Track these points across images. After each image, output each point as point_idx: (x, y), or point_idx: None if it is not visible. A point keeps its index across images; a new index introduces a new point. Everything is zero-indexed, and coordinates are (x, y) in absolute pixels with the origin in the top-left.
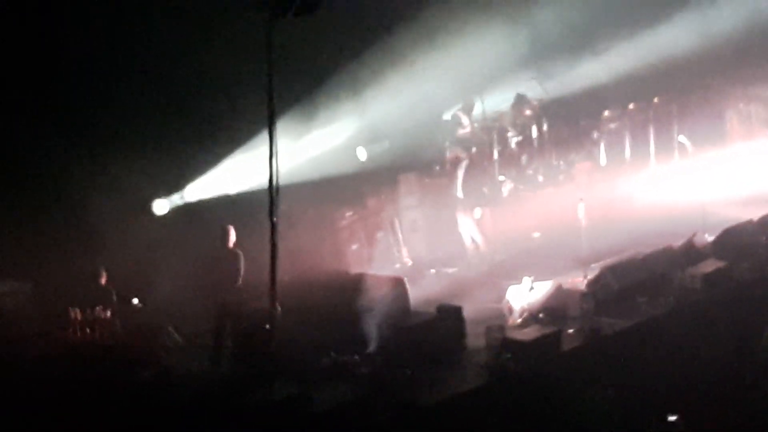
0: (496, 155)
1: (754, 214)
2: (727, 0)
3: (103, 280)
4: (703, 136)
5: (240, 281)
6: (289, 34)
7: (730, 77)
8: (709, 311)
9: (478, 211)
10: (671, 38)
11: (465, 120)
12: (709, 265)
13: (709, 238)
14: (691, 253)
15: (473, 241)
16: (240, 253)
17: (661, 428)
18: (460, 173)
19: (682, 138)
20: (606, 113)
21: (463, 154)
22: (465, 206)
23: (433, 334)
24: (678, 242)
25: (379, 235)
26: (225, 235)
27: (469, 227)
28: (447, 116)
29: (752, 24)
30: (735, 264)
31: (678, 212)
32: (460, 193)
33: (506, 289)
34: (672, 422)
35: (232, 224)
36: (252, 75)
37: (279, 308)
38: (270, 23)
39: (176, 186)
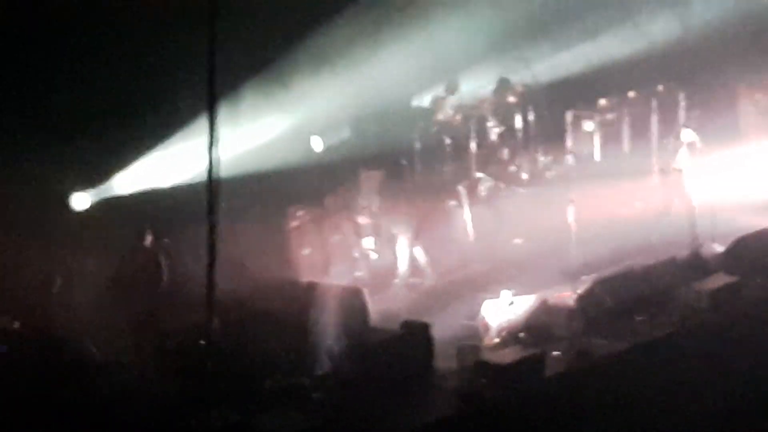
0: (473, 148)
1: None
2: None
3: None
4: (714, 130)
5: (162, 286)
6: (236, 3)
7: (746, 62)
8: (718, 334)
9: None
10: (678, 17)
11: (448, 104)
12: (719, 280)
13: (719, 248)
14: (697, 265)
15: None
16: (160, 252)
17: None
18: None
19: (689, 132)
20: (602, 102)
21: None
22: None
23: (396, 355)
24: (683, 253)
25: (336, 238)
26: (140, 233)
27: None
28: (418, 101)
29: None
30: (748, 279)
31: (683, 218)
32: None
33: (482, 304)
34: None
35: (165, 222)
36: (192, 50)
37: (217, 321)
38: None
39: (100, 177)
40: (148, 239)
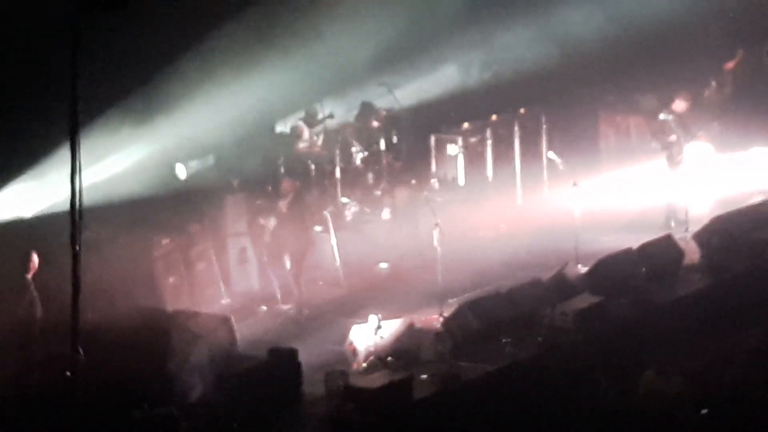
0: (338, 173)
1: (634, 242)
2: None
3: None
4: (576, 152)
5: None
6: (98, 31)
7: (606, 85)
8: (583, 353)
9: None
10: (539, 40)
11: (306, 132)
12: (583, 301)
13: (583, 269)
14: (561, 286)
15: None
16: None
17: None
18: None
19: (551, 154)
20: (465, 125)
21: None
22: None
23: (264, 382)
24: (547, 274)
25: (202, 266)
26: (25, 263)
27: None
28: (282, 127)
29: (628, 24)
30: (612, 299)
31: (547, 240)
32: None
33: (349, 329)
34: None
35: (29, 251)
36: (53, 78)
37: (82, 352)
38: (76, 18)
39: None
40: (32, 271)
